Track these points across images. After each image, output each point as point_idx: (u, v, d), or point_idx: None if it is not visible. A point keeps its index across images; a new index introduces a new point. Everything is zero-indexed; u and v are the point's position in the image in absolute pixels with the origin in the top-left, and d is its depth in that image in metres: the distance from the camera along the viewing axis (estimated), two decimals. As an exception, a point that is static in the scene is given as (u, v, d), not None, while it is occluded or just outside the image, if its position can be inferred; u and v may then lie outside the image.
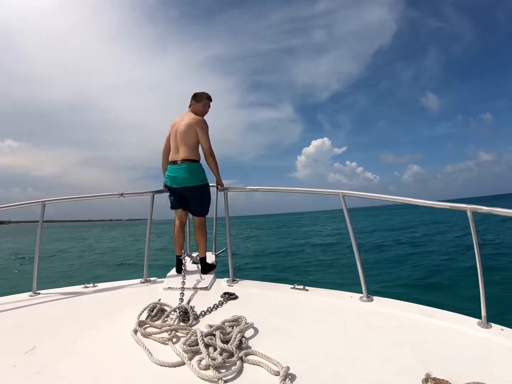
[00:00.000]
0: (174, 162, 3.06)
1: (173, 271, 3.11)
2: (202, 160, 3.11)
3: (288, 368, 1.39)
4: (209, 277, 2.92)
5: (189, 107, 3.24)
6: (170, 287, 2.70)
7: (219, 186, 3.13)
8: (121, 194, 3.04)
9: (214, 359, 1.46)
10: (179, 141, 3.05)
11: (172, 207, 3.20)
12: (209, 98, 3.27)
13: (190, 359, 1.53)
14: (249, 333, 1.80)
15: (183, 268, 2.84)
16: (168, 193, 3.19)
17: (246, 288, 2.67)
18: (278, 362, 1.44)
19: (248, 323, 1.84)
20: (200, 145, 3.06)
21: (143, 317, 1.99)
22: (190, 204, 3.15)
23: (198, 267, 3.14)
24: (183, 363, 1.50)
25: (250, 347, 1.63)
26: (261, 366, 1.46)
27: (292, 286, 2.62)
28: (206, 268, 3.11)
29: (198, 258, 3.22)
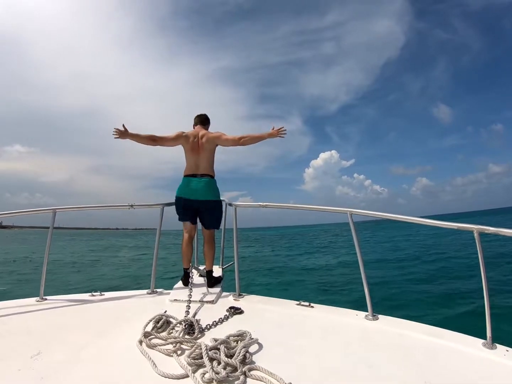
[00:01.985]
0: (194, 176, 3.11)
1: (180, 283, 3.12)
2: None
3: None
4: (215, 290, 2.93)
5: (203, 125, 3.34)
6: (176, 299, 2.72)
7: (228, 202, 3.23)
8: (131, 206, 3.08)
9: (217, 373, 1.47)
10: (201, 156, 3.13)
11: (182, 219, 3.19)
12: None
13: (194, 372, 1.53)
14: (253, 348, 1.80)
15: (190, 281, 2.86)
16: (177, 205, 3.17)
17: (252, 303, 2.67)
18: (281, 378, 1.44)
19: (252, 338, 1.84)
20: (226, 146, 3.20)
21: (149, 328, 2.01)
22: (204, 217, 3.19)
23: (204, 280, 3.15)
24: (186, 376, 1.51)
25: (254, 362, 1.63)
26: (264, 382, 1.46)
27: (297, 302, 2.61)
28: (212, 281, 3.12)
29: (205, 271, 3.23)
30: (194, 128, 3.37)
